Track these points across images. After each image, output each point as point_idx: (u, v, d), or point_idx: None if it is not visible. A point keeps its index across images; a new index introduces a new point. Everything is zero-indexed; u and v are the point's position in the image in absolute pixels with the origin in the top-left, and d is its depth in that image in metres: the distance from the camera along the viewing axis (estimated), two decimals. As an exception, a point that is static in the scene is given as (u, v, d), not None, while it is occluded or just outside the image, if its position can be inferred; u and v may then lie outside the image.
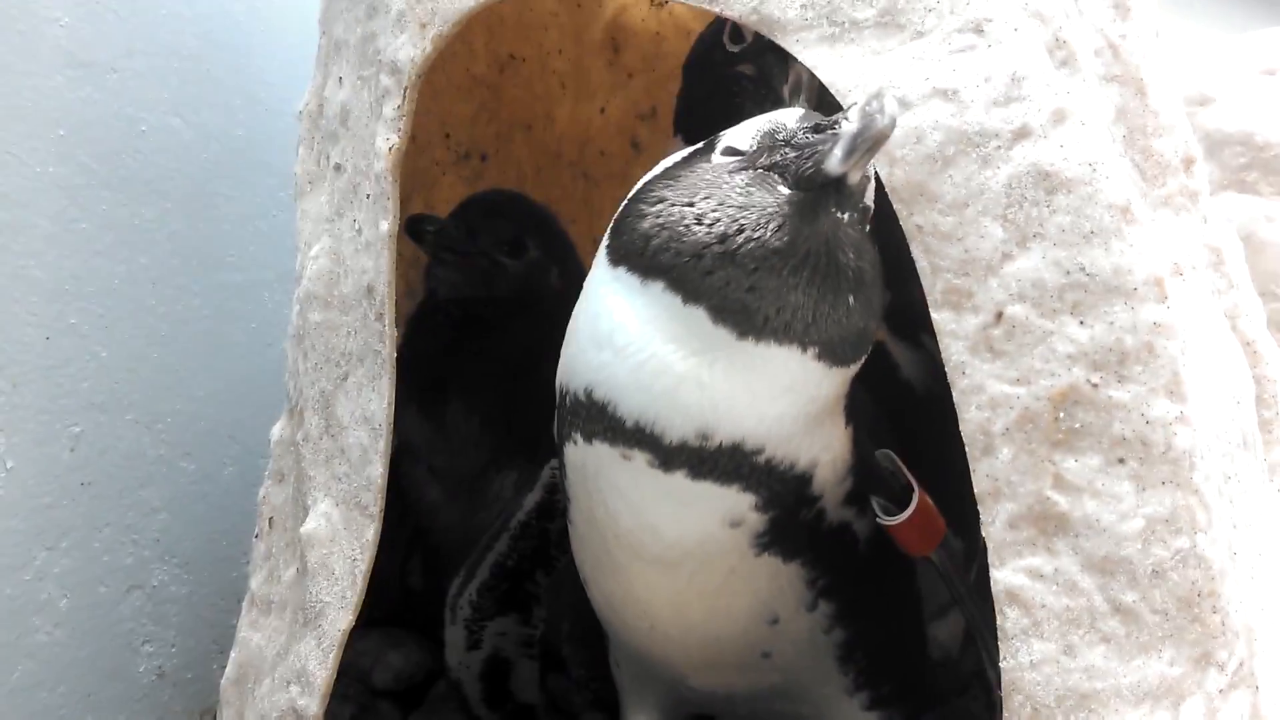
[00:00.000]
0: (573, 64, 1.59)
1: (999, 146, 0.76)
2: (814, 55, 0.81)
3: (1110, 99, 0.97)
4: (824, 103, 1.08)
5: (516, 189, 1.58)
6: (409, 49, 0.90)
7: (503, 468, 1.27)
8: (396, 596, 1.40)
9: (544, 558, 1.09)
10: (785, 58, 1.03)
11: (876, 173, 0.80)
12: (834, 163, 0.71)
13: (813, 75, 0.88)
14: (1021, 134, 0.76)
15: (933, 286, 0.77)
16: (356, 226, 0.95)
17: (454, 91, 1.47)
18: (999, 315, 0.75)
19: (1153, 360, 0.73)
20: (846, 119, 0.72)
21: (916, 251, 0.78)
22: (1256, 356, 1.00)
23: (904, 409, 1.17)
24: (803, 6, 0.81)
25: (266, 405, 1.50)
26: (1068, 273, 0.74)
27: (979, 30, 0.79)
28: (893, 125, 0.69)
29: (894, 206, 0.78)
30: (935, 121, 0.77)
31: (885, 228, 0.83)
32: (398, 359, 1.28)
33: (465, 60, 1.47)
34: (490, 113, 1.54)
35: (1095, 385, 0.73)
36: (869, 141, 0.70)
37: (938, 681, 1.21)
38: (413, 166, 1.39)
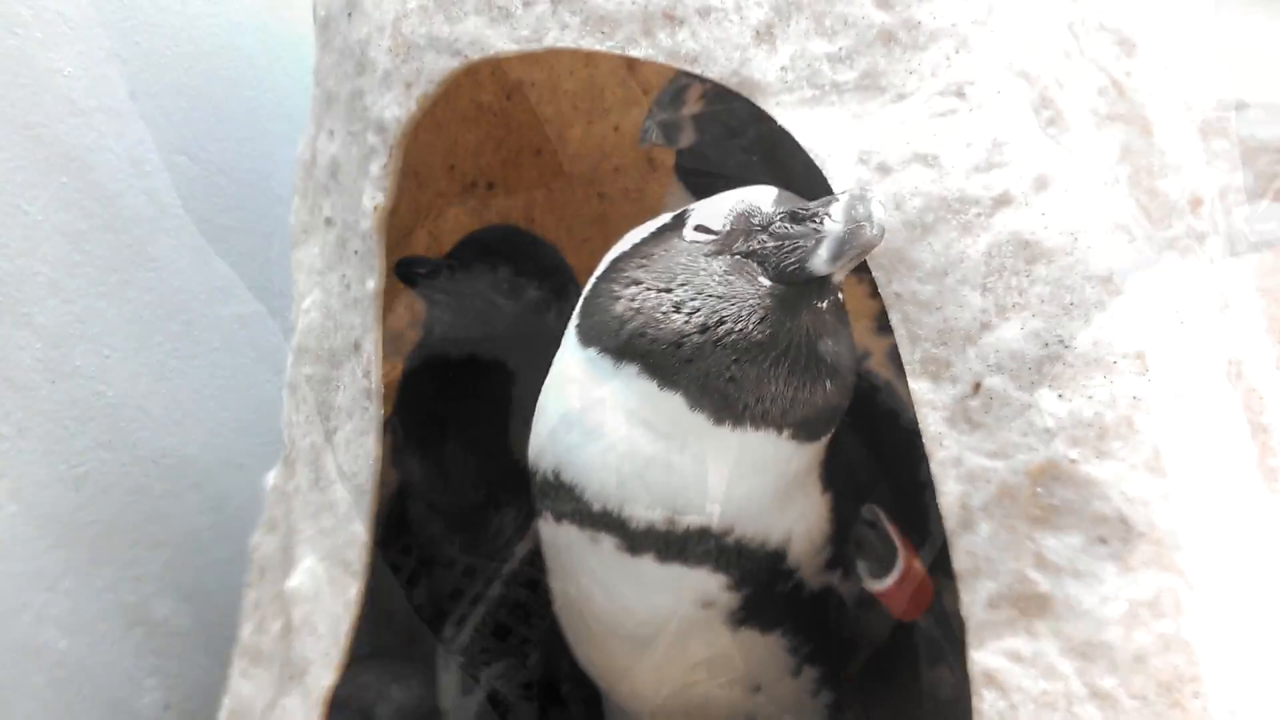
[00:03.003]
0: (585, 85, 1.58)
1: (979, 214, 0.75)
2: (793, 118, 0.80)
3: (1115, 138, 0.95)
4: (714, 136, 1.05)
5: (522, 218, 1.57)
6: (394, 109, 0.90)
7: (501, 506, 1.27)
8: (405, 625, 1.40)
9: (539, 603, 1.09)
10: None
11: None
12: (819, 263, 0.71)
13: (703, 119, 0.85)
14: (1002, 201, 0.75)
15: (911, 355, 0.76)
16: (345, 282, 0.95)
17: (459, 123, 1.46)
18: (977, 386, 0.74)
19: (1133, 436, 0.71)
20: (830, 216, 0.71)
21: (895, 320, 0.76)
22: (1262, 402, 0.98)
23: (907, 442, 1.15)
24: (783, 69, 0.80)
25: (278, 431, 1.51)
26: (1046, 345, 0.73)
27: (960, 94, 0.77)
28: (881, 235, 0.69)
29: (873, 274, 0.77)
30: (915, 187, 0.76)
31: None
32: (396, 398, 1.28)
33: (471, 90, 1.46)
34: (497, 140, 1.53)
35: (1074, 461, 0.72)
36: (856, 250, 0.70)
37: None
38: (415, 201, 1.39)
